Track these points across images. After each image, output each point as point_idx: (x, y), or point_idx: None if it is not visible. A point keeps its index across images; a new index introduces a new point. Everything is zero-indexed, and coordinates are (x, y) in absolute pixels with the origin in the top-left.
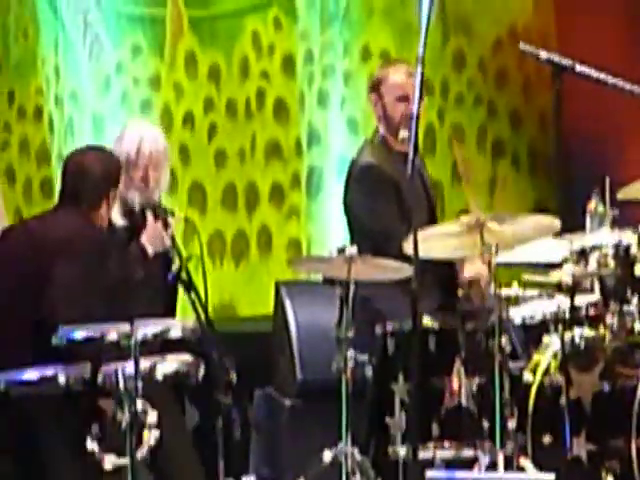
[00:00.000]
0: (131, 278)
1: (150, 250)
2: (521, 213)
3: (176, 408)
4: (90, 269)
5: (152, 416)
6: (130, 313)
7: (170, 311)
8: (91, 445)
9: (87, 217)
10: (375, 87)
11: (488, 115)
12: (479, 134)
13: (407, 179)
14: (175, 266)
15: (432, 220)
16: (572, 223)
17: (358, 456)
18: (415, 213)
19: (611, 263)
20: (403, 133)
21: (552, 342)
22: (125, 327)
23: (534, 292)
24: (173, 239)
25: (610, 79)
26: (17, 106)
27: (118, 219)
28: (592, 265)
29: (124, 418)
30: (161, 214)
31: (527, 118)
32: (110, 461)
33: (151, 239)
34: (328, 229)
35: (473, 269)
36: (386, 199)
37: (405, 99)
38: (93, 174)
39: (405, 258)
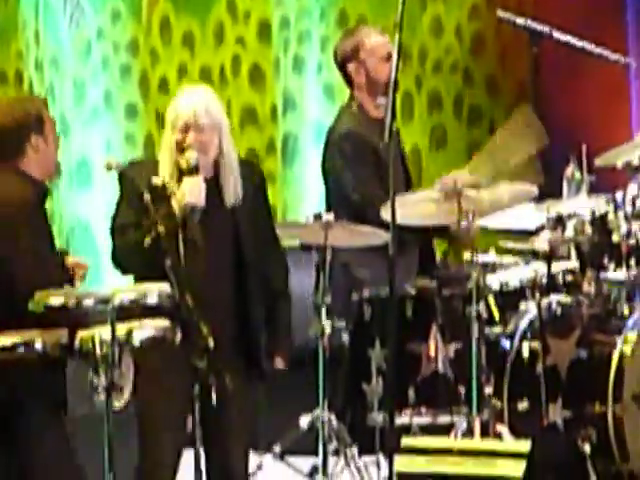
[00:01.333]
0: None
1: (183, 201)
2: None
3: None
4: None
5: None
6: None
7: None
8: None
9: (14, 170)
10: (352, 55)
11: (465, 82)
12: (456, 101)
13: (385, 145)
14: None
15: (408, 188)
16: (550, 190)
17: (335, 422)
18: (393, 180)
19: (588, 230)
20: (381, 100)
21: (529, 308)
22: (102, 292)
23: (511, 259)
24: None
25: (586, 45)
26: None
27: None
28: (569, 232)
29: (101, 383)
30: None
31: (504, 85)
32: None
33: (191, 191)
34: (304, 195)
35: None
36: (366, 166)
37: (389, 58)
38: (1, 124)
39: (385, 224)
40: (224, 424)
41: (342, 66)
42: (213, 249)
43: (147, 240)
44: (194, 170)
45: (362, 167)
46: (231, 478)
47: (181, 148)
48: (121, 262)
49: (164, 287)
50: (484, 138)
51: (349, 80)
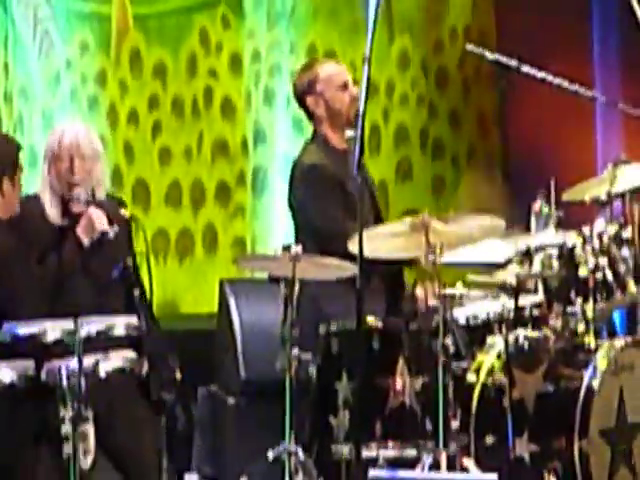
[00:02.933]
0: (70, 273)
1: (85, 240)
2: (465, 214)
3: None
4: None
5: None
6: (75, 309)
7: (125, 306)
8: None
9: None
10: (309, 89)
11: (429, 115)
12: (422, 134)
13: (352, 178)
14: (120, 262)
15: (377, 220)
16: (517, 223)
17: (301, 455)
18: (361, 212)
19: (555, 264)
20: (348, 132)
21: (496, 342)
22: (69, 324)
23: (478, 292)
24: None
25: (553, 79)
26: None
27: (57, 219)
28: (536, 266)
29: (67, 415)
30: (104, 206)
31: (466, 119)
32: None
33: (84, 228)
34: (273, 227)
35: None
36: (331, 198)
37: (345, 87)
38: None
39: (351, 257)
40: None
41: (301, 100)
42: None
43: (115, 273)
44: (93, 200)
45: (328, 199)
46: None
47: (69, 179)
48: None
49: (131, 319)
50: (447, 171)
51: (310, 114)
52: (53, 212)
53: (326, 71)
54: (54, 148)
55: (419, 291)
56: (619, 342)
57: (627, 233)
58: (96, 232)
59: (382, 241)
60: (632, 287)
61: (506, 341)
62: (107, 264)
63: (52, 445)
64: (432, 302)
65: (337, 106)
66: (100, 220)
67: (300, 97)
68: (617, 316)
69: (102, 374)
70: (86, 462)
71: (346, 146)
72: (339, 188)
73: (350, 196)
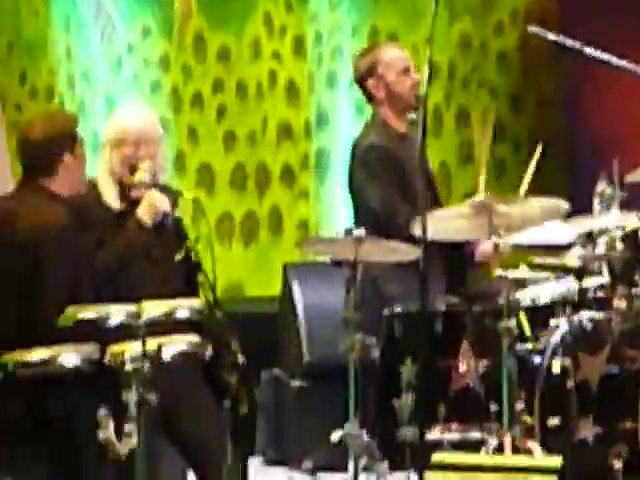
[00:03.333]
0: (133, 255)
1: (147, 222)
2: (529, 195)
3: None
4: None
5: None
6: (139, 293)
7: (190, 289)
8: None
9: (45, 191)
10: (370, 72)
11: (490, 98)
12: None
13: (411, 161)
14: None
15: (435, 204)
16: (577, 207)
17: (365, 438)
18: (422, 194)
19: (619, 246)
20: (411, 115)
21: (560, 324)
22: (132, 308)
23: (542, 274)
24: (180, 220)
25: (616, 61)
26: (29, 86)
27: (115, 204)
28: (600, 248)
29: (131, 399)
30: (165, 192)
31: (527, 101)
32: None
33: (146, 210)
34: (336, 210)
35: (484, 251)
36: (389, 180)
37: (407, 71)
38: (35, 141)
39: (409, 239)
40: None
41: (361, 83)
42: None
43: (178, 257)
44: (155, 183)
45: (385, 181)
46: None
47: (133, 164)
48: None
49: (194, 302)
50: (508, 154)
51: (370, 97)
52: (112, 197)
53: (388, 55)
54: (119, 132)
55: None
56: None
57: None
58: (158, 214)
59: (445, 223)
60: None
61: (570, 323)
62: (169, 247)
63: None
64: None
65: (398, 90)
66: (162, 202)
67: (361, 80)
68: None
69: (166, 357)
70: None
71: (405, 130)
72: (398, 170)
73: (408, 179)
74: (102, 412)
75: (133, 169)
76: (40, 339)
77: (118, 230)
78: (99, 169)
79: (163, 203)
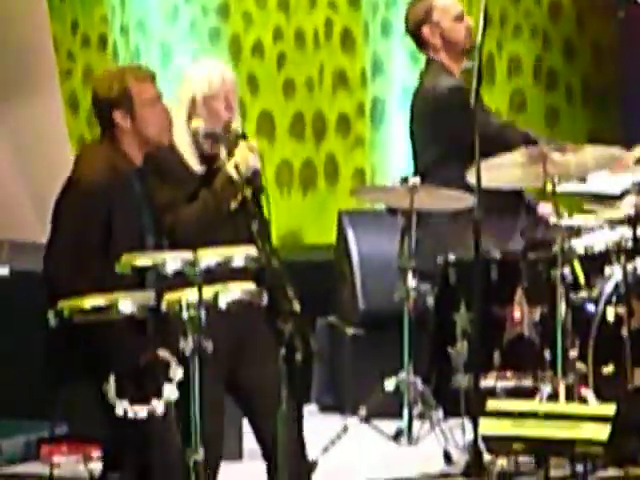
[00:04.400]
0: (225, 208)
1: (236, 176)
2: (583, 144)
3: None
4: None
5: None
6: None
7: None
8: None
9: (106, 148)
10: (425, 19)
11: (543, 46)
12: (535, 65)
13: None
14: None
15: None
16: None
17: (420, 385)
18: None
19: None
20: (466, 63)
21: (614, 273)
22: (188, 255)
23: (597, 222)
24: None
25: None
26: (80, 35)
27: (197, 166)
28: None
29: (187, 347)
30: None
31: (580, 50)
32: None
33: (239, 163)
34: (391, 159)
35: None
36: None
37: (461, 18)
38: (95, 97)
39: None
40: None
41: (416, 31)
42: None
43: (234, 205)
44: (243, 135)
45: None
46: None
47: (227, 118)
48: (179, 237)
49: (250, 250)
50: (561, 103)
51: (425, 44)
52: (193, 159)
53: (442, 1)
54: (204, 89)
55: (542, 208)
56: None
57: None
58: (250, 169)
59: (500, 171)
60: None
61: (624, 271)
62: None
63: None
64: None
65: (453, 36)
66: (255, 157)
67: (415, 27)
68: None
69: (222, 305)
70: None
71: (459, 78)
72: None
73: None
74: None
75: (227, 123)
76: (97, 285)
77: (205, 188)
78: (176, 129)
79: (255, 159)
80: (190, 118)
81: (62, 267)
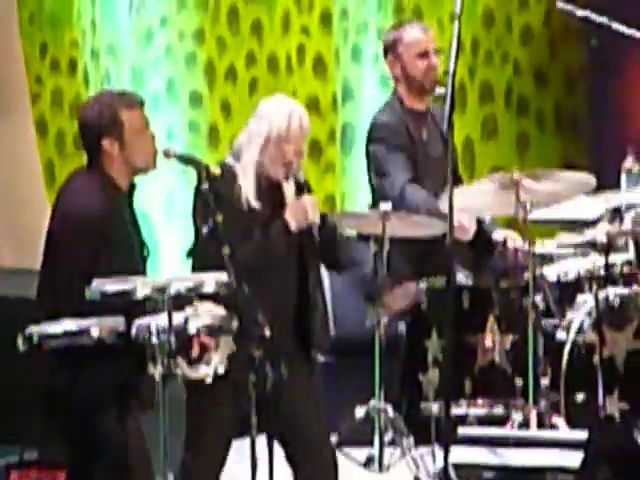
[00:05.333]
0: (275, 254)
1: (293, 226)
2: (555, 170)
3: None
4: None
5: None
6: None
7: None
8: None
9: (93, 176)
10: (390, 49)
11: (514, 73)
12: (506, 91)
13: (433, 138)
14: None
15: (455, 180)
16: (603, 182)
17: (391, 412)
18: (437, 173)
19: None
20: (439, 90)
21: (586, 300)
22: (158, 281)
23: (569, 250)
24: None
25: None
26: (49, 59)
27: (253, 200)
28: (627, 223)
29: (156, 372)
30: (306, 188)
31: (552, 76)
32: None
33: (296, 214)
34: (362, 185)
35: (502, 233)
36: (395, 158)
37: (424, 55)
38: (84, 123)
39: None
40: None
41: (384, 56)
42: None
43: (286, 250)
44: (306, 184)
45: (390, 159)
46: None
47: (293, 162)
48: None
49: (220, 276)
50: (532, 129)
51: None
52: (251, 194)
53: (410, 35)
54: (281, 129)
55: (509, 245)
56: None
57: None
58: (307, 221)
59: (471, 198)
60: None
61: (596, 299)
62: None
63: (139, 401)
64: (522, 258)
65: (412, 72)
66: (314, 209)
67: (383, 52)
68: None
69: (192, 331)
70: None
71: (425, 108)
72: (409, 148)
73: (423, 156)
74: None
75: (288, 166)
76: (66, 311)
77: (256, 228)
78: (244, 163)
79: (314, 211)
80: (261, 153)
81: (64, 297)
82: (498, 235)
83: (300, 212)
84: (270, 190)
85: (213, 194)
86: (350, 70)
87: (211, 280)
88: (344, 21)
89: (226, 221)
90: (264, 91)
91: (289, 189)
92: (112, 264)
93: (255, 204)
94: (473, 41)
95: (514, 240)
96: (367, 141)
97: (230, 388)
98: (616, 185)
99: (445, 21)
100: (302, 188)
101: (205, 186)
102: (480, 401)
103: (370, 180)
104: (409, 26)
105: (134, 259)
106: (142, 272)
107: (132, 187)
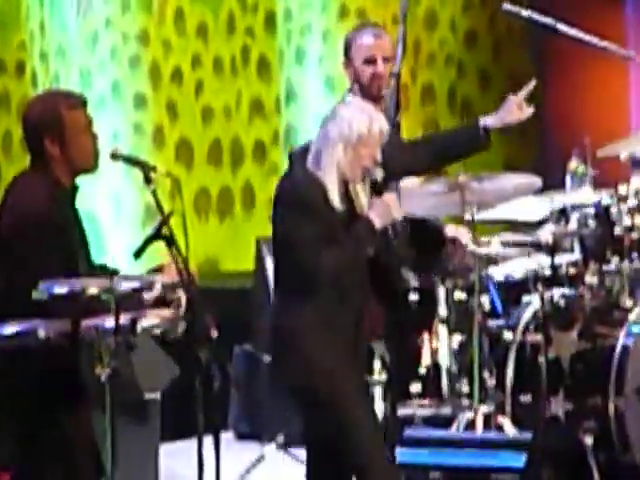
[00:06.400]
0: (364, 255)
1: (378, 225)
2: (501, 172)
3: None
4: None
5: None
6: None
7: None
8: None
9: (37, 175)
10: (346, 51)
11: (457, 75)
12: (449, 94)
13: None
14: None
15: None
16: (548, 183)
17: None
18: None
19: (591, 223)
20: (376, 90)
21: (532, 301)
22: (105, 281)
23: (515, 251)
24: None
25: (590, 38)
26: None
27: (338, 204)
28: (572, 224)
29: (103, 373)
30: (382, 190)
31: (496, 78)
32: None
33: (381, 212)
34: None
35: (453, 228)
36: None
37: (371, 61)
38: (27, 123)
39: None
40: None
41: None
42: None
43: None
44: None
45: None
46: None
47: (369, 166)
48: (322, 278)
49: (167, 277)
50: None
51: None
52: (336, 197)
53: (361, 40)
54: (363, 132)
55: (450, 248)
56: None
57: None
58: (391, 219)
59: (418, 200)
60: None
61: (542, 299)
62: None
63: (86, 402)
64: (466, 259)
65: (359, 76)
66: (397, 208)
67: (342, 52)
68: None
69: (139, 332)
70: None
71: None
72: None
73: None
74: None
75: (364, 170)
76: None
77: (344, 231)
78: (325, 165)
79: (398, 210)
80: (342, 157)
81: (11, 298)
82: (450, 231)
83: (385, 211)
84: (346, 192)
85: (303, 205)
86: (294, 72)
87: (159, 282)
88: (288, 23)
89: (323, 228)
90: (209, 93)
91: (361, 189)
92: (60, 265)
93: (339, 206)
94: (415, 43)
95: (464, 237)
96: None
97: None
98: (561, 186)
99: (388, 23)
100: (379, 187)
101: (152, 187)
102: (427, 401)
103: None
104: (363, 30)
105: (81, 260)
106: (89, 273)
107: (75, 189)
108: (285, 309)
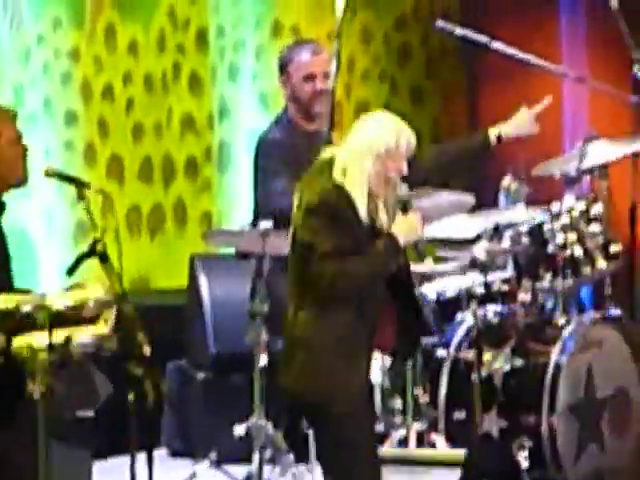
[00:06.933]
0: (386, 271)
1: (402, 241)
2: (434, 190)
3: None
4: None
5: None
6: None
7: None
8: None
9: None
10: (283, 68)
11: (391, 91)
12: (383, 110)
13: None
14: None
15: None
16: (481, 201)
17: (270, 430)
18: None
19: (524, 240)
20: (317, 108)
21: (465, 318)
22: (39, 299)
23: (447, 268)
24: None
25: (524, 56)
26: None
27: (365, 215)
28: (505, 242)
29: (36, 390)
30: (408, 206)
31: (429, 94)
32: None
33: (406, 229)
34: (237, 203)
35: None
36: (278, 174)
37: (310, 78)
38: None
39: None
40: None
41: (278, 75)
42: None
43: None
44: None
45: (273, 175)
46: None
47: (394, 179)
48: (339, 289)
49: (101, 294)
50: None
51: None
52: (363, 210)
53: (300, 57)
54: (390, 145)
55: None
56: (588, 318)
57: (596, 209)
58: (415, 237)
59: None
60: (601, 263)
61: (475, 316)
62: None
63: (22, 420)
64: None
65: (299, 95)
66: (420, 226)
67: (278, 73)
68: (585, 292)
69: (74, 349)
70: None
71: (315, 127)
72: (293, 165)
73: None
74: None
75: (389, 183)
76: None
77: (370, 244)
78: (352, 178)
79: (420, 227)
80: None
81: None
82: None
83: (410, 228)
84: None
85: (334, 216)
86: (227, 88)
87: (92, 299)
88: (221, 39)
89: (350, 241)
90: (140, 109)
91: (381, 206)
92: None
93: (366, 219)
94: (350, 59)
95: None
96: (255, 157)
97: None
98: (494, 204)
99: (322, 39)
100: (405, 205)
101: (85, 204)
102: None
103: (256, 194)
104: (300, 47)
105: (6, 276)
106: (13, 290)
107: (2, 205)
108: (303, 321)
